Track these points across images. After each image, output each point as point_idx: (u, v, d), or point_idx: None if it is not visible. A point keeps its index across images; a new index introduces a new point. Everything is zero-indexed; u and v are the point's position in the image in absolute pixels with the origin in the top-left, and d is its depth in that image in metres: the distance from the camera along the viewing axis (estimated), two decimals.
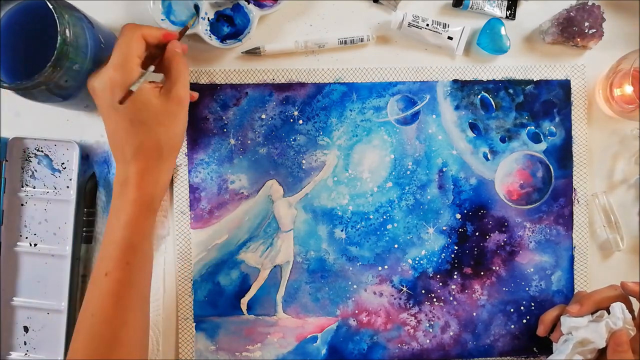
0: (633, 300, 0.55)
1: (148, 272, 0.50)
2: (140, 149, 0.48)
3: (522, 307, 0.62)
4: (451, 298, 0.62)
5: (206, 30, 0.59)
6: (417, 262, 0.61)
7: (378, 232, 0.61)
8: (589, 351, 0.53)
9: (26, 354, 0.60)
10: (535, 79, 0.62)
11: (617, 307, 0.53)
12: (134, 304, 0.47)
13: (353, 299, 0.61)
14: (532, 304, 0.62)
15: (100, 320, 0.46)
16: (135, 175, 0.48)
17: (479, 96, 0.62)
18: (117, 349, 0.46)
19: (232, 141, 0.61)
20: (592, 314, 0.55)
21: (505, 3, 0.62)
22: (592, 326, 0.53)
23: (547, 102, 0.62)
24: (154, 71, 0.51)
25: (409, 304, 0.62)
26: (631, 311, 0.54)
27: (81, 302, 0.60)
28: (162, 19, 0.58)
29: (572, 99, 0.62)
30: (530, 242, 0.62)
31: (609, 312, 0.54)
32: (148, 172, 0.48)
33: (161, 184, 0.50)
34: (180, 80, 0.50)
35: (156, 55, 0.52)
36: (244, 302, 0.61)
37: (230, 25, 0.60)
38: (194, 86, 0.61)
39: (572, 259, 0.62)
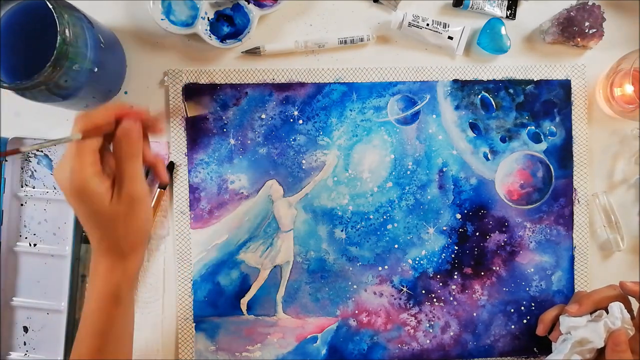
0: (632, 300, 0.55)
1: (124, 352, 0.48)
2: (100, 246, 0.45)
3: (522, 307, 0.62)
4: (451, 298, 0.62)
5: (206, 30, 0.59)
6: (417, 262, 0.61)
7: (378, 232, 0.61)
8: (588, 351, 0.53)
9: (26, 354, 0.60)
10: (535, 79, 0.62)
11: (616, 307, 0.53)
12: None
13: (353, 299, 0.61)
14: (533, 304, 0.62)
15: None
16: (101, 266, 0.46)
17: (479, 96, 0.62)
18: None
19: (232, 141, 0.61)
20: (591, 313, 0.55)
21: (506, 3, 0.62)
22: (590, 326, 0.53)
23: (547, 102, 0.62)
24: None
25: (409, 304, 0.61)
26: (630, 311, 0.54)
27: (81, 302, 0.60)
28: (162, 19, 0.58)
29: (572, 98, 0.62)
30: (531, 242, 0.62)
31: (607, 312, 0.53)
32: (113, 266, 0.45)
33: (129, 274, 0.46)
34: (128, 173, 0.43)
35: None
36: (244, 302, 0.61)
37: (230, 25, 0.60)
38: (193, 86, 0.61)
39: (572, 259, 0.62)
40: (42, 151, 0.60)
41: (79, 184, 0.41)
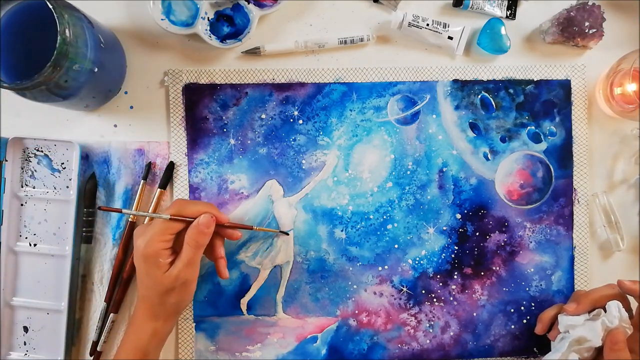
0: (630, 298, 0.55)
1: None
2: (143, 302, 0.53)
3: (522, 307, 0.62)
4: (451, 298, 0.62)
5: (206, 30, 0.59)
6: (417, 262, 0.61)
7: (378, 232, 0.61)
8: (586, 349, 0.53)
9: (26, 354, 0.60)
10: (535, 79, 0.62)
11: (614, 306, 0.53)
12: None
13: (353, 299, 0.61)
14: (533, 304, 0.62)
15: None
16: (137, 319, 0.54)
17: (479, 96, 0.62)
18: None
19: (232, 141, 0.61)
20: (589, 312, 0.55)
21: (506, 3, 0.62)
22: (588, 325, 0.53)
23: (547, 102, 0.62)
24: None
25: (409, 304, 0.61)
26: (628, 310, 0.54)
27: (81, 302, 0.60)
28: (162, 19, 0.58)
29: (572, 98, 0.62)
30: (531, 242, 0.62)
31: (605, 311, 0.53)
32: (146, 324, 0.53)
33: (159, 335, 0.54)
34: (187, 257, 0.52)
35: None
36: (244, 302, 0.61)
37: (230, 25, 0.60)
38: (193, 86, 0.61)
39: (572, 259, 0.62)
40: (41, 151, 0.60)
41: (151, 251, 0.51)
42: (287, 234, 0.60)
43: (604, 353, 0.52)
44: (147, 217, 0.52)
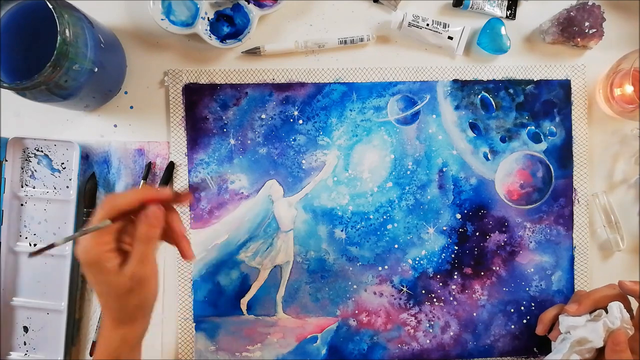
0: (631, 299, 0.55)
1: None
2: (105, 312, 0.49)
3: (522, 307, 0.62)
4: (451, 298, 0.62)
5: (206, 30, 0.59)
6: (417, 262, 0.61)
7: (378, 232, 0.61)
8: (587, 350, 0.53)
9: (26, 354, 0.60)
10: (535, 79, 0.62)
11: (615, 307, 0.53)
12: None
13: (353, 299, 0.61)
14: (533, 304, 0.62)
15: None
16: (104, 330, 0.49)
17: (479, 96, 0.62)
18: None
19: (232, 141, 0.61)
20: (590, 313, 0.55)
21: (506, 3, 0.62)
22: (590, 325, 0.53)
23: (547, 102, 0.62)
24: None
25: (409, 304, 0.61)
26: (629, 310, 0.54)
27: (81, 302, 0.60)
28: (162, 19, 0.58)
29: (572, 98, 0.62)
30: (531, 242, 0.62)
31: (607, 312, 0.53)
32: (113, 333, 0.49)
33: (129, 341, 0.50)
34: (139, 254, 0.46)
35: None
36: (244, 302, 0.61)
37: (230, 25, 0.60)
38: (193, 86, 0.61)
39: (572, 259, 0.62)
40: (41, 151, 0.60)
41: (91, 258, 0.46)
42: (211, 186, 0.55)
43: (605, 354, 0.52)
44: (83, 235, 0.46)
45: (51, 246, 0.45)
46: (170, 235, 0.50)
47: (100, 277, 0.47)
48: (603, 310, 0.54)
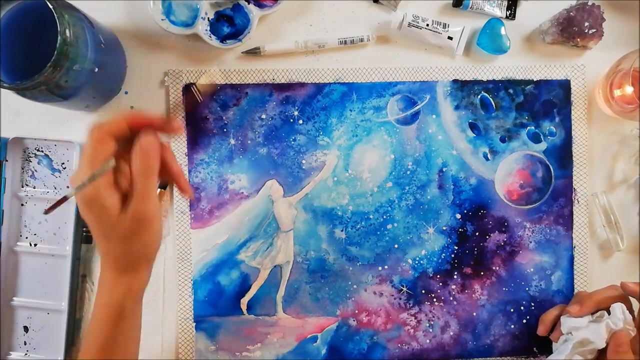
0: (633, 300, 0.55)
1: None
2: (106, 258, 0.45)
3: (522, 307, 0.62)
4: (451, 298, 0.62)
5: (206, 30, 0.59)
6: (417, 262, 0.61)
7: (378, 232, 0.61)
8: (589, 351, 0.53)
9: (26, 354, 0.60)
10: (535, 79, 0.62)
11: (617, 308, 0.53)
12: None
13: (353, 299, 0.61)
14: (532, 304, 0.62)
15: None
16: (106, 279, 0.45)
17: (479, 96, 0.62)
18: None
19: (232, 141, 0.61)
20: (592, 314, 0.55)
21: (505, 3, 0.62)
22: (592, 326, 0.53)
23: (547, 102, 0.62)
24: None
25: (409, 304, 0.62)
26: (631, 312, 0.54)
27: (81, 302, 0.60)
28: (162, 19, 0.58)
29: (572, 99, 0.62)
30: (530, 242, 0.62)
31: (609, 313, 0.53)
32: (117, 280, 0.45)
33: (134, 289, 0.46)
34: (140, 190, 0.42)
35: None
36: (244, 302, 0.61)
37: (230, 25, 0.60)
38: (193, 86, 0.61)
39: (572, 259, 0.62)
40: (42, 151, 0.60)
41: (89, 193, 0.41)
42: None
43: (607, 355, 0.52)
44: (100, 174, 0.41)
45: (64, 199, 0.41)
46: (165, 174, 0.45)
47: (101, 217, 0.42)
48: (605, 312, 0.54)
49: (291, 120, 0.61)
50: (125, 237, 0.43)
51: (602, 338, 0.52)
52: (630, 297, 0.54)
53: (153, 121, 0.44)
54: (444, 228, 0.62)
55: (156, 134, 0.43)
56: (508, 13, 0.62)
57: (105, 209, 0.41)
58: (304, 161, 0.61)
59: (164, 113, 0.61)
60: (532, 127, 0.62)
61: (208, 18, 0.59)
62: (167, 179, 0.46)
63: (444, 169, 0.62)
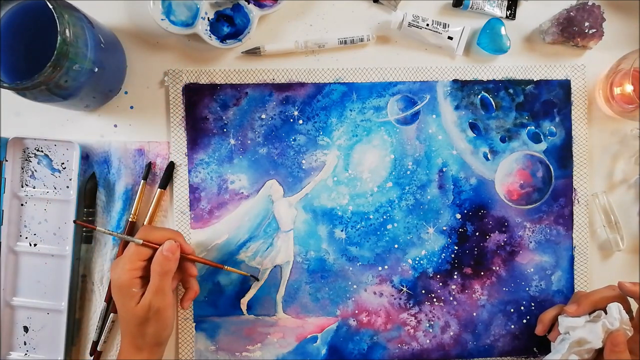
0: (631, 300, 0.55)
1: None
2: (124, 336, 0.54)
3: (522, 307, 0.62)
4: (451, 298, 0.62)
5: (206, 30, 0.59)
6: (417, 262, 0.61)
7: (378, 232, 0.61)
8: (586, 351, 0.53)
9: (26, 354, 0.60)
10: (535, 79, 0.62)
11: (614, 308, 0.53)
12: None
13: (353, 299, 0.61)
14: (532, 304, 0.62)
15: None
16: (123, 355, 0.54)
17: (479, 96, 0.62)
18: None
19: (232, 141, 0.61)
20: (590, 314, 0.55)
21: (505, 3, 0.62)
22: (589, 326, 0.53)
23: (547, 102, 0.62)
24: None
25: (409, 304, 0.62)
26: (629, 311, 0.54)
27: (81, 302, 0.60)
28: (162, 19, 0.58)
29: (572, 99, 0.62)
30: (530, 242, 0.62)
31: (606, 313, 0.53)
32: (135, 355, 0.53)
33: None
34: (155, 285, 0.52)
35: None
36: (244, 302, 0.61)
37: (230, 25, 0.60)
38: (193, 86, 0.61)
39: (572, 259, 0.62)
40: (42, 151, 0.60)
41: (123, 282, 0.52)
42: (258, 280, 0.60)
43: (604, 355, 0.52)
44: (122, 238, 0.53)
45: (93, 228, 0.54)
46: (183, 278, 0.57)
47: (126, 301, 0.52)
48: (602, 311, 0.54)
49: (291, 120, 0.61)
50: (141, 323, 0.52)
51: (599, 338, 0.52)
52: (628, 297, 0.54)
53: (185, 249, 0.55)
54: (444, 228, 0.62)
55: (178, 244, 0.54)
56: (508, 13, 0.62)
57: (131, 295, 0.52)
58: (304, 161, 0.61)
59: (164, 113, 0.61)
60: (532, 127, 0.62)
61: (208, 18, 0.59)
62: (181, 279, 0.58)
63: (444, 169, 0.62)
